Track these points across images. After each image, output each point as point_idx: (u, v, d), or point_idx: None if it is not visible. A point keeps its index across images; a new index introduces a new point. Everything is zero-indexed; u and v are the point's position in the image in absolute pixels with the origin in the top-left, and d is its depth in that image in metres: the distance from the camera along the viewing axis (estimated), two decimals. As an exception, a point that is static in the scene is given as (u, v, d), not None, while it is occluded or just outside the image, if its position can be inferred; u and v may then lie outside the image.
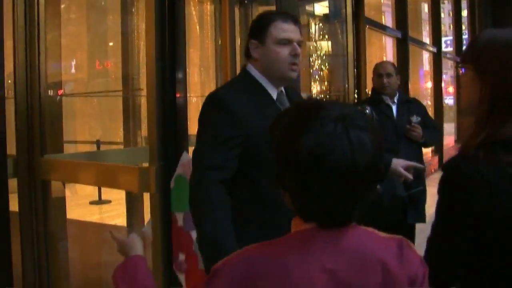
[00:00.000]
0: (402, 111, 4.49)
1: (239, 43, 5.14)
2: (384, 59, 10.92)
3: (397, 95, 4.55)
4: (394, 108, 4.52)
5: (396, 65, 4.92)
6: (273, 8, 4.54)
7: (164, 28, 3.05)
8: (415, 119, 4.41)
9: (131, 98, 5.22)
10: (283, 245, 1.35)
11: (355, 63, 6.03)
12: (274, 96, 2.51)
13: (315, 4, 8.54)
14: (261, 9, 5.50)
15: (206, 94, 2.64)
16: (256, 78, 2.49)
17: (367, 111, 4.24)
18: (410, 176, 2.87)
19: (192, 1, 6.02)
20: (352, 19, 6.07)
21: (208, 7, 6.05)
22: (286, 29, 2.46)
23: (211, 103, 2.43)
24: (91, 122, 9.23)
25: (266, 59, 2.45)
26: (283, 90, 2.55)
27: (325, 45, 9.17)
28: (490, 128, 1.55)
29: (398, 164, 2.89)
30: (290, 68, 2.46)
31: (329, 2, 8.25)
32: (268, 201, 2.35)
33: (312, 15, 8.93)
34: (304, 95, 4.57)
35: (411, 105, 4.60)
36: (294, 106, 1.46)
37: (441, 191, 1.58)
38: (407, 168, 2.89)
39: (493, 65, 1.60)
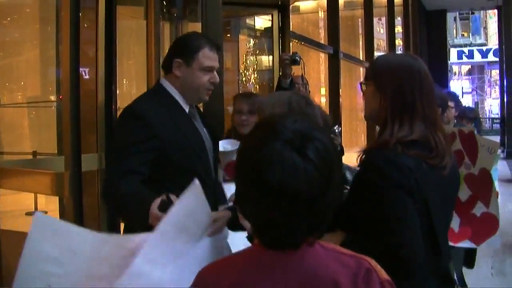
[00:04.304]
0: None
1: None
2: (320, 73, 11.23)
3: None
4: None
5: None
6: (199, 24, 4.76)
7: (78, 39, 3.21)
8: (337, 128, 4.65)
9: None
10: (237, 263, 1.40)
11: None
12: (186, 110, 2.73)
13: (257, 18, 8.67)
14: (191, 25, 5.68)
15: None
16: (170, 92, 2.70)
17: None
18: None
19: (127, 16, 6.15)
20: (278, 34, 6.27)
21: (140, 23, 6.19)
22: (211, 58, 2.72)
23: (126, 114, 2.62)
24: (29, 133, 9.18)
25: (188, 80, 2.68)
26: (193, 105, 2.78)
27: (265, 60, 9.33)
28: (391, 129, 1.98)
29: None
30: (206, 93, 2.74)
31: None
32: None
33: (252, 29, 9.08)
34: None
35: None
36: (258, 122, 1.49)
37: (372, 179, 1.93)
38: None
39: (389, 81, 2.02)
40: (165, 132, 2.58)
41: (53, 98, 6.17)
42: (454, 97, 5.04)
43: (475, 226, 3.44)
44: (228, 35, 8.25)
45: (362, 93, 2.18)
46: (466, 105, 7.87)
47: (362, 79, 2.17)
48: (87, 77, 4.31)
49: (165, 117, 2.62)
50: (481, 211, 3.47)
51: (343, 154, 5.08)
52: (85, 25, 4.46)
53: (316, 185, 1.29)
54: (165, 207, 2.13)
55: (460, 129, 3.57)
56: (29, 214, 8.32)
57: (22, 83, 8.37)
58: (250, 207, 1.35)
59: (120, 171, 2.43)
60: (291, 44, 6.47)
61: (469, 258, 4.50)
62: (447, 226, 2.15)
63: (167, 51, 2.90)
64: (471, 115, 6.72)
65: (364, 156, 2.03)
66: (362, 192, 1.98)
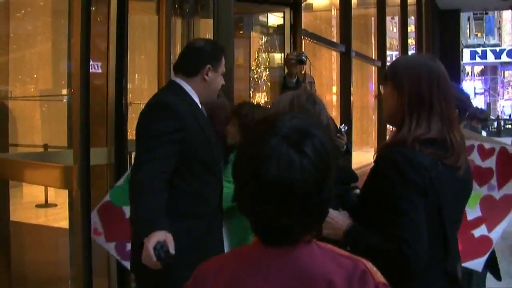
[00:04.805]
0: None
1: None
2: (332, 71, 11.22)
3: None
4: None
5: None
6: (211, 20, 4.78)
7: (88, 33, 3.22)
8: (343, 127, 4.64)
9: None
10: (234, 259, 1.42)
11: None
12: (200, 107, 2.97)
13: (270, 15, 8.67)
14: (202, 21, 5.69)
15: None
16: (187, 92, 2.92)
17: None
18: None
19: (139, 11, 6.18)
20: (289, 32, 6.27)
21: (153, 18, 6.22)
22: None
23: (155, 106, 2.83)
24: (41, 126, 9.23)
25: (213, 84, 2.97)
26: None
27: (277, 57, 9.33)
28: (408, 126, 2.00)
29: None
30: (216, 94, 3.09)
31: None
32: (198, 195, 2.84)
33: (265, 26, 9.07)
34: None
35: None
36: (259, 119, 1.49)
37: (387, 174, 1.96)
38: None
39: (407, 81, 2.04)
40: (190, 125, 2.80)
41: (64, 91, 6.21)
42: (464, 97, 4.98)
43: (467, 245, 3.28)
44: (241, 31, 8.26)
45: (381, 96, 2.19)
46: (477, 106, 7.81)
47: (374, 78, 2.19)
48: (99, 71, 4.34)
49: (188, 112, 2.84)
50: (481, 234, 3.36)
51: (349, 153, 5.06)
52: (98, 19, 4.49)
53: (312, 181, 1.30)
54: (159, 251, 2.34)
55: (504, 147, 3.38)
56: (39, 206, 8.41)
57: (34, 75, 8.42)
58: (246, 203, 1.36)
59: (149, 160, 2.63)
60: (302, 42, 6.46)
61: (495, 271, 4.33)
62: (457, 228, 2.15)
63: (181, 51, 3.10)
64: (482, 116, 6.68)
65: (381, 152, 2.05)
66: (376, 187, 2.00)
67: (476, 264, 3.32)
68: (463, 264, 3.28)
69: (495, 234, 3.36)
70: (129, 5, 4.16)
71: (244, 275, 1.37)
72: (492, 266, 4.14)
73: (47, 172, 3.50)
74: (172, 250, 2.38)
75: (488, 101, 40.73)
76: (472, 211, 3.30)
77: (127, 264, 3.27)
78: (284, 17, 6.42)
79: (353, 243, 1.96)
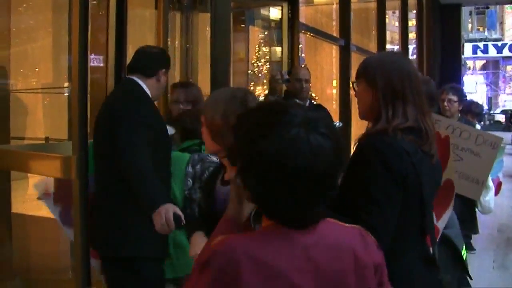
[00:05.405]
0: None
1: (177, 45, 5.45)
2: (333, 65, 11.23)
3: (308, 101, 4.90)
4: None
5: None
6: (209, 14, 4.83)
7: (86, 27, 3.29)
8: (338, 124, 4.73)
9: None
10: (265, 239, 1.39)
11: (289, 68, 6.23)
12: None
13: (271, 9, 8.67)
14: (201, 15, 5.73)
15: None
16: (145, 89, 3.28)
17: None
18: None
19: (139, 5, 6.22)
20: (287, 26, 6.30)
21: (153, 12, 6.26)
22: None
23: (137, 96, 3.24)
24: (43, 120, 9.26)
25: (162, 85, 3.43)
26: None
27: (278, 51, 9.34)
28: (385, 117, 2.10)
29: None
30: None
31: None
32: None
33: (266, 19, 9.08)
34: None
35: (320, 110, 4.96)
36: (258, 108, 1.50)
37: (369, 160, 2.02)
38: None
39: (380, 75, 2.14)
40: (155, 115, 3.30)
41: (66, 85, 6.27)
42: (458, 91, 5.01)
43: None
44: (242, 25, 8.29)
45: (355, 94, 2.27)
46: (472, 100, 7.79)
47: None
48: (101, 64, 4.39)
49: (152, 103, 3.34)
50: None
51: None
52: (100, 13, 4.54)
53: (338, 162, 1.38)
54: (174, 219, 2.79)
55: (438, 132, 3.41)
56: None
57: (36, 69, 8.47)
58: (277, 195, 1.36)
59: (138, 144, 2.99)
60: (300, 36, 6.50)
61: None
62: (431, 213, 2.23)
63: (137, 54, 3.43)
64: (476, 110, 6.70)
65: (363, 140, 2.13)
66: (356, 173, 2.06)
67: None
68: None
69: (442, 223, 3.43)
70: (129, -1, 4.22)
71: (285, 262, 1.37)
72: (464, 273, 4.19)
73: (46, 162, 3.57)
74: (183, 218, 2.79)
75: (489, 95, 40.70)
76: None
77: (67, 230, 3.54)
78: (282, 11, 6.44)
79: None
